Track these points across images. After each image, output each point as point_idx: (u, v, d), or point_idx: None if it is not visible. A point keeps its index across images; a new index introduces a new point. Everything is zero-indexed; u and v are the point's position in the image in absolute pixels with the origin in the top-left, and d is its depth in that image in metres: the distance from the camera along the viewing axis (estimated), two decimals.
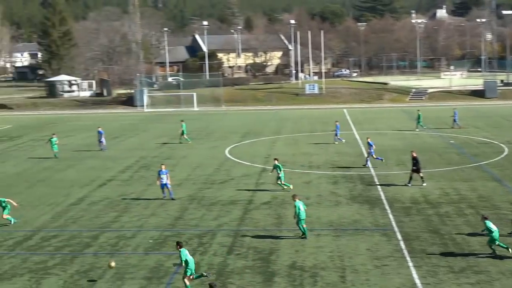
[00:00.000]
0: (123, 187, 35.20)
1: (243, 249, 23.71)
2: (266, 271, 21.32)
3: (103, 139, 48.67)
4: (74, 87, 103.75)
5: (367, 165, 38.69)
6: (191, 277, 19.60)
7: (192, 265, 19.61)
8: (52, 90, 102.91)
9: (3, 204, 27.95)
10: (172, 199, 31.54)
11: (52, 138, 46.37)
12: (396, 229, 25.69)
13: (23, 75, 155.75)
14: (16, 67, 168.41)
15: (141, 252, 23.72)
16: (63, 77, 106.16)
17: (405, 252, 22.82)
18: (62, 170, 41.22)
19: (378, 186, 33.51)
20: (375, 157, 38.89)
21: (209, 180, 36.51)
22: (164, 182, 31.42)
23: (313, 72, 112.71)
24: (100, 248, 24.41)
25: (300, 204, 24.69)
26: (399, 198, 30.70)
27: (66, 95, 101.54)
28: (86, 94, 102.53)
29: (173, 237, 25.40)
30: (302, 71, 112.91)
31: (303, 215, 24.62)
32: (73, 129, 64.90)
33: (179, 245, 19.81)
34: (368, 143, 39.11)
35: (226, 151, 46.89)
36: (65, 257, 23.41)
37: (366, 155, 39.52)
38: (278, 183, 32.96)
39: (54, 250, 24.33)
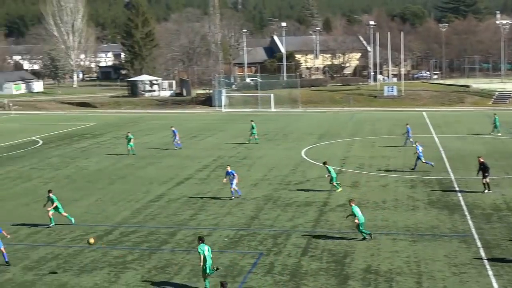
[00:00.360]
0: (200, 186, 35.76)
1: (318, 251, 23.65)
2: (340, 274, 21.19)
3: (177, 138, 49.66)
4: (155, 87, 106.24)
5: (415, 169, 38.26)
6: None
7: (209, 262, 19.97)
8: (134, 90, 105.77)
9: (55, 203, 27.77)
10: (230, 198, 31.95)
11: (128, 136, 47.69)
12: (475, 236, 24.98)
13: (106, 75, 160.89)
14: (101, 67, 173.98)
15: (216, 250, 24.01)
16: (144, 77, 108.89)
17: (485, 260, 22.16)
18: (142, 167, 42.28)
19: (458, 192, 32.68)
20: (423, 161, 38.34)
21: (284, 181, 36.59)
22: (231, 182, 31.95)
23: (392, 74, 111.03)
24: (177, 245, 24.90)
25: (357, 209, 24.67)
26: (480, 204, 29.82)
27: (147, 94, 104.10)
28: (166, 93, 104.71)
29: (248, 236, 25.64)
30: (380, 73, 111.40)
31: (362, 219, 24.58)
32: (152, 127, 66.43)
33: (200, 239, 20.28)
34: (416, 147, 38.62)
35: (302, 152, 46.86)
36: (143, 253, 24.02)
37: (418, 160, 38.78)
38: (335, 184, 33.24)
39: (133, 245, 25.00)
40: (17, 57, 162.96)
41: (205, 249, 19.97)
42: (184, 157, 46.06)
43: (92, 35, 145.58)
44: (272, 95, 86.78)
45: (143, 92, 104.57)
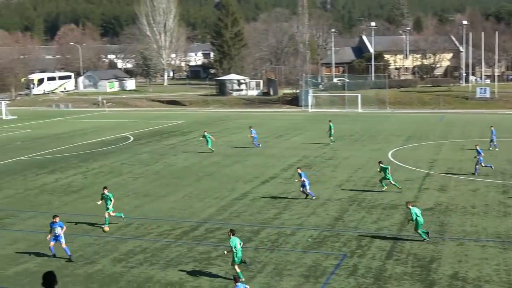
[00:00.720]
0: (285, 185, 35.84)
1: (403, 255, 23.23)
2: (426, 280, 20.72)
3: (255, 137, 50.18)
4: (243, 86, 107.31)
5: (476, 173, 37.30)
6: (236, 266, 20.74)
7: (239, 254, 20.86)
8: (222, 89, 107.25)
9: (109, 201, 27.73)
10: (312, 198, 31.98)
11: (205, 134, 48.60)
12: None
13: (196, 74, 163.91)
14: (190, 66, 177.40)
15: (300, 250, 24.05)
16: (232, 76, 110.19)
17: None
18: (228, 165, 42.83)
19: None
20: (483, 165, 37.43)
21: (370, 183, 36.13)
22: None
23: (485, 75, 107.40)
24: (260, 243, 25.08)
25: (416, 210, 24.67)
26: None
27: (234, 93, 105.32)
28: (254, 93, 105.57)
29: (332, 237, 25.51)
30: (473, 74, 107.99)
31: (421, 220, 24.57)
32: (239, 126, 67.12)
33: (231, 232, 21.10)
34: (477, 150, 37.64)
35: (389, 154, 46.09)
36: (227, 249, 24.32)
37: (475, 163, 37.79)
38: (393, 184, 33.40)
39: (217, 242, 25.39)
40: (111, 56, 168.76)
41: (236, 242, 20.83)
42: (270, 156, 46.31)
43: (183, 35, 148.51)
44: (359, 95, 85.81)
45: (231, 91, 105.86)
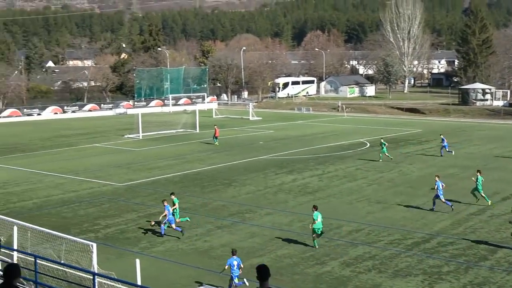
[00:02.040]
0: None
1: None
2: None
3: (445, 145, 49.82)
4: (487, 96, 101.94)
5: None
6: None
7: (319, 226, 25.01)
8: (464, 98, 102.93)
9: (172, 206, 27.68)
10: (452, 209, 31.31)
11: (382, 142, 48.41)
12: None
13: (438, 82, 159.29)
14: (432, 74, 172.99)
15: None
16: (477, 85, 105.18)
17: None
18: (466, 178, 40.93)
19: None
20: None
21: None
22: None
23: None
24: (496, 263, 23.73)
25: None
26: None
27: (478, 103, 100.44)
28: (499, 103, 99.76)
29: None
30: None
31: None
32: (481, 138, 63.85)
33: (315, 208, 25.68)
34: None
35: None
36: (459, 266, 23.42)
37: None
38: (483, 196, 32.98)
39: (449, 257, 24.53)
40: (353, 62, 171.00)
41: (318, 216, 25.06)
42: None
43: (427, 42, 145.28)
44: None
45: (474, 101, 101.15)
